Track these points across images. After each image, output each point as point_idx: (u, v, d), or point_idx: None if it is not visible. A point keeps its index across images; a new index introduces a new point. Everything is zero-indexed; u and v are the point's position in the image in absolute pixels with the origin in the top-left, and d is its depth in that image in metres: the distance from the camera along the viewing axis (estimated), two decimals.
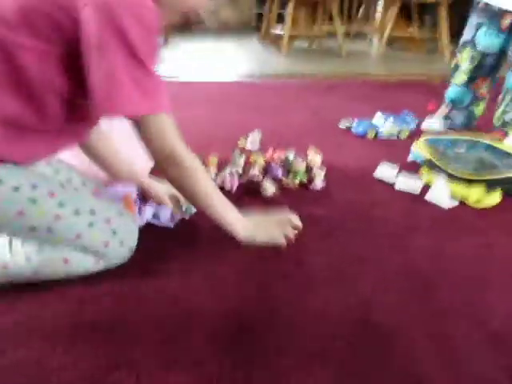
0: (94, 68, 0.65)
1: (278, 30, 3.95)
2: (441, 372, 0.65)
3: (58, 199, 0.76)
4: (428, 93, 2.40)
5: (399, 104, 2.08)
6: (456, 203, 1.17)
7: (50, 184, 0.78)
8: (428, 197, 1.19)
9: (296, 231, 0.95)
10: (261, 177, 1.23)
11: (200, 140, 1.60)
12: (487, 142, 1.38)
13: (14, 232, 0.76)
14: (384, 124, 1.73)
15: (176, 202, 1.02)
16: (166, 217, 1.00)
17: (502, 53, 1.60)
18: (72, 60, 0.68)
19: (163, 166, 0.79)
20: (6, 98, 0.68)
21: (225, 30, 5.04)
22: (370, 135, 1.70)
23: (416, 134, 1.70)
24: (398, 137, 1.72)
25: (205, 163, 1.28)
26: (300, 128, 1.81)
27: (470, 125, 1.79)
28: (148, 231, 0.96)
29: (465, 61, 1.68)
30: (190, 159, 0.79)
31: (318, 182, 1.23)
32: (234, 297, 0.81)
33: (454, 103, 1.76)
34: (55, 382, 0.62)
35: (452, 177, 1.23)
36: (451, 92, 1.76)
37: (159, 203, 1.01)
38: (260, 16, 5.07)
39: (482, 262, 0.94)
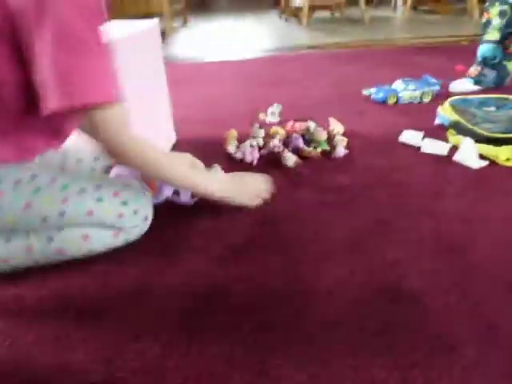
0: (35, 59, 0.63)
1: (297, 3, 3.85)
2: (473, 336, 0.64)
3: (60, 183, 0.77)
4: (456, 55, 2.29)
5: (425, 68, 2.00)
6: (485, 163, 1.12)
7: (49, 171, 0.79)
8: (456, 158, 1.15)
9: (268, 195, 0.98)
10: (282, 147, 1.21)
11: (222, 116, 1.61)
12: None
13: (29, 226, 0.77)
14: (404, 88, 1.65)
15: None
16: (186, 194, 1.00)
17: None
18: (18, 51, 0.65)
19: (115, 158, 0.77)
20: None
21: (244, 6, 4.96)
22: (391, 101, 1.65)
23: (440, 96, 1.63)
24: (420, 100, 1.65)
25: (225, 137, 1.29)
26: (321, 99, 1.77)
27: (502, 83, 1.73)
28: (166, 207, 0.98)
29: (495, 16, 1.61)
30: (137, 146, 0.76)
31: (340, 150, 1.21)
32: (259, 266, 0.81)
33: (486, 60, 1.69)
34: (82, 353, 0.64)
35: (481, 137, 1.18)
36: (483, 49, 1.69)
37: None
38: None
39: None
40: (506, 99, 1.35)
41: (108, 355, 0.64)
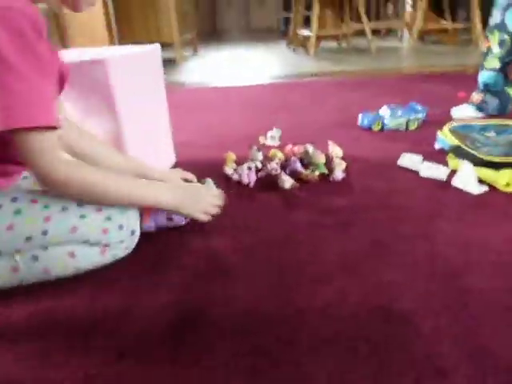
0: None
1: (305, 33, 3.94)
2: (465, 361, 0.61)
3: (41, 203, 0.76)
4: (459, 83, 2.31)
5: (428, 96, 2.01)
6: (485, 188, 1.11)
7: (30, 193, 0.79)
8: (455, 182, 1.14)
9: (218, 210, 0.94)
10: (279, 170, 1.21)
11: (223, 139, 1.63)
12: None
13: (13, 247, 0.75)
14: (390, 115, 1.63)
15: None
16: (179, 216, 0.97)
17: None
18: None
19: (52, 187, 0.75)
20: None
21: (253, 36, 5.09)
22: (376, 128, 1.63)
23: (439, 122, 1.61)
24: (406, 128, 1.63)
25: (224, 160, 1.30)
26: (323, 124, 1.78)
27: (504, 111, 1.71)
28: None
29: (495, 45, 1.63)
30: (76, 171, 0.75)
31: (339, 173, 1.21)
32: (248, 285, 0.80)
33: (487, 87, 1.69)
34: (65, 372, 0.63)
35: (480, 162, 1.17)
36: (484, 76, 1.70)
37: None
38: (287, 21, 5.09)
39: None
40: (507, 125, 1.34)
41: (91, 374, 0.62)
